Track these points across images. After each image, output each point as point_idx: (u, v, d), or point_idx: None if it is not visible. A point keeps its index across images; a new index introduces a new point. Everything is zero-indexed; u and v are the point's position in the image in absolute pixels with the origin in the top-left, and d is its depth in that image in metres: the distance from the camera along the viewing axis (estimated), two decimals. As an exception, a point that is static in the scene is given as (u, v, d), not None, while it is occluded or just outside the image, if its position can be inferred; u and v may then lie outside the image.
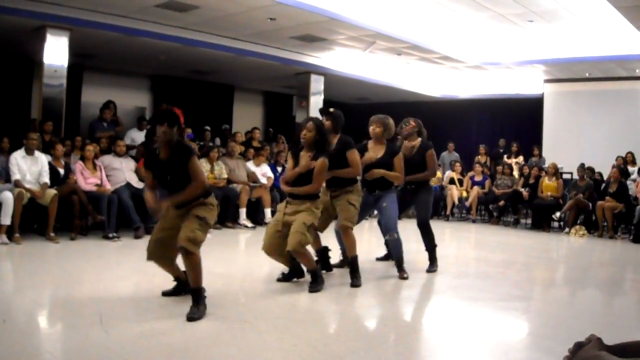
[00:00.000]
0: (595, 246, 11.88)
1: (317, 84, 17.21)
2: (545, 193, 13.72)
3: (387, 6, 12.05)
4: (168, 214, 5.64)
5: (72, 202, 9.58)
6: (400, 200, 7.72)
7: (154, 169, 5.62)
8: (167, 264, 5.78)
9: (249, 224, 11.98)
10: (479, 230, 13.76)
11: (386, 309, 6.39)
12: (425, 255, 8.15)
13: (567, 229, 13.16)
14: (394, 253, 7.63)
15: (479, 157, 17.04)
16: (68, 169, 10.21)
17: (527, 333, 5.60)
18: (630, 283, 8.67)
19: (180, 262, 5.54)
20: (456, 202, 15.17)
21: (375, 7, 12.14)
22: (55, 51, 11.75)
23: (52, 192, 9.32)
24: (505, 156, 17.21)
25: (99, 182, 10.18)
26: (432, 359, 4.69)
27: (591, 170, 14.28)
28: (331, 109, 7.31)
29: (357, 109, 22.45)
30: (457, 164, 16.06)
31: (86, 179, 10.07)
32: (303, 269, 6.92)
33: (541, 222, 13.74)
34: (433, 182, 15.38)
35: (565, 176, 15.21)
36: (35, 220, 9.83)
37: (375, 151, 7.40)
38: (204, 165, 11.78)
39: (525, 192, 14.12)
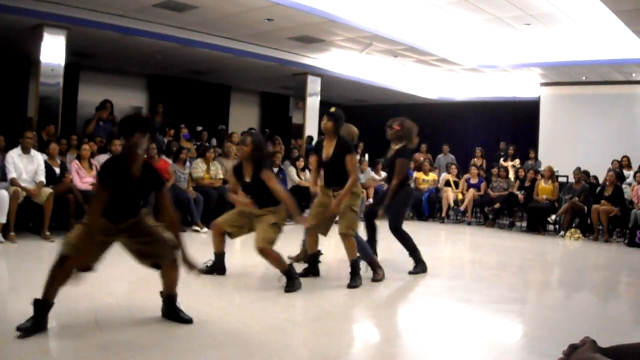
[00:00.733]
0: (590, 249, 11.90)
1: (313, 85, 17.23)
2: (541, 196, 13.73)
3: (384, 8, 12.05)
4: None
5: (68, 201, 9.59)
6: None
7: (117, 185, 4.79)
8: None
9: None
10: (474, 232, 13.78)
11: (381, 310, 6.39)
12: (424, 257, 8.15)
13: (562, 232, 13.18)
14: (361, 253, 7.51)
15: (475, 159, 17.05)
16: (64, 168, 10.20)
17: (521, 335, 5.61)
18: (625, 286, 8.70)
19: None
20: (452, 204, 15.16)
21: (373, 8, 12.14)
22: (52, 50, 11.75)
23: (48, 190, 9.31)
24: (501, 159, 17.22)
25: (94, 181, 10.18)
26: (426, 360, 4.70)
27: (586, 173, 14.29)
28: (332, 109, 7.24)
29: (354, 111, 22.49)
30: (453, 167, 16.08)
31: (82, 178, 10.08)
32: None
33: (536, 225, 13.75)
34: (428, 184, 15.48)
35: (560, 179, 15.22)
36: (31, 219, 9.82)
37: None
38: (200, 165, 11.79)
39: (520, 195, 14.14)
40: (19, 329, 4.41)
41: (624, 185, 13.53)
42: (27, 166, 9.33)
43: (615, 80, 16.97)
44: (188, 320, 5.00)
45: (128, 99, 17.35)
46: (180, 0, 11.11)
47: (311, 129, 17.05)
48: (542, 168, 15.27)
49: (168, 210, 4.98)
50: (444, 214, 15.22)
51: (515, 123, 20.43)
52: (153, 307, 5.32)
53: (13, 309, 5.41)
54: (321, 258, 7.71)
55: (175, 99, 17.59)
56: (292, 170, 13.79)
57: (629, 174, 14.50)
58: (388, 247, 8.61)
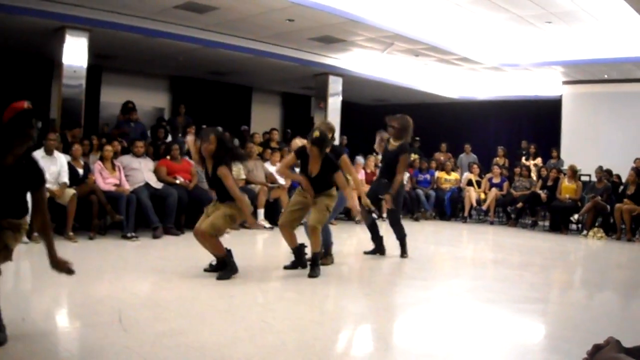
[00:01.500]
0: (613, 249, 11.83)
1: (335, 85, 17.20)
2: (564, 195, 13.66)
3: (405, 7, 12.04)
4: None
5: (91, 202, 9.64)
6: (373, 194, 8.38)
7: None
8: None
9: (267, 225, 11.99)
10: (496, 232, 13.73)
11: (402, 310, 6.39)
12: (445, 257, 8.19)
13: (585, 232, 13.09)
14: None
15: (497, 158, 16.99)
16: (87, 169, 10.26)
17: (544, 335, 5.58)
18: (649, 286, 8.64)
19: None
20: (474, 203, 15.12)
21: (394, 8, 12.13)
22: (75, 52, 11.81)
23: (71, 191, 9.37)
24: (523, 158, 17.15)
25: (117, 182, 10.24)
26: (449, 360, 4.69)
27: (609, 172, 14.21)
28: (316, 133, 7.31)
29: (375, 110, 22.49)
30: (475, 166, 16.03)
31: (105, 179, 10.13)
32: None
33: (559, 225, 13.67)
34: (450, 183, 15.45)
35: (583, 178, 15.14)
36: (54, 220, 9.83)
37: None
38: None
39: (543, 194, 14.07)
40: None
41: (647, 184, 13.44)
42: (51, 167, 9.38)
43: (637, 77, 16.82)
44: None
45: (150, 100, 17.42)
46: (201, 2, 11.15)
47: (334, 127, 17.01)
48: (564, 167, 15.20)
49: (43, 211, 4.52)
50: (466, 214, 15.17)
51: (537, 122, 20.32)
52: (176, 306, 5.35)
53: (37, 309, 5.46)
54: (344, 259, 7.80)
55: (197, 100, 17.64)
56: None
57: (652, 172, 14.40)
58: (411, 247, 8.64)
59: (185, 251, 7.42)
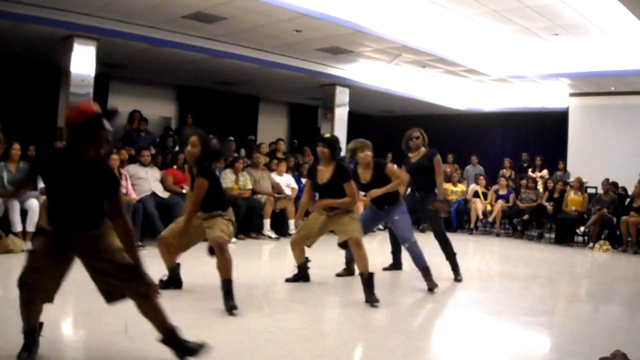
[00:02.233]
0: (619, 261, 11.81)
1: (342, 96, 17.21)
2: (570, 207, 13.66)
3: (413, 19, 12.06)
4: None
5: (97, 210, 9.64)
6: (409, 209, 7.85)
7: None
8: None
9: (273, 235, 12.00)
10: (502, 244, 13.71)
11: (409, 322, 6.39)
12: (449, 269, 8.19)
13: (591, 244, 13.08)
14: (416, 263, 7.58)
15: (504, 170, 16.99)
16: (94, 178, 10.28)
17: (550, 348, 5.58)
18: (655, 299, 8.61)
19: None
20: (480, 215, 15.11)
21: (401, 19, 12.15)
22: (83, 61, 11.83)
23: (78, 200, 9.38)
24: (529, 170, 17.15)
25: (124, 191, 10.24)
26: (455, 372, 4.69)
27: (615, 185, 14.20)
28: (327, 135, 7.35)
29: (382, 121, 22.52)
30: (482, 178, 16.03)
31: (112, 188, 10.15)
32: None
33: (565, 237, 13.67)
34: (457, 195, 15.44)
35: (590, 190, 15.12)
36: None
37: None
38: (229, 175, 11.83)
39: (549, 207, 14.07)
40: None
41: (653, 197, 13.43)
42: (57, 176, 9.42)
43: (644, 90, 16.86)
44: (193, 350, 4.30)
45: (157, 110, 17.44)
46: (209, 12, 11.18)
47: (340, 139, 17.03)
48: (571, 179, 15.20)
49: (123, 217, 4.18)
50: (472, 225, 15.16)
51: (543, 134, 20.32)
52: (182, 316, 5.35)
53: (42, 318, 5.45)
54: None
55: (204, 109, 17.65)
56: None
57: (659, 185, 14.39)
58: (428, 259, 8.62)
59: (191, 261, 7.42)
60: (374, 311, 6.42)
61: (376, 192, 7.44)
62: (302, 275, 7.56)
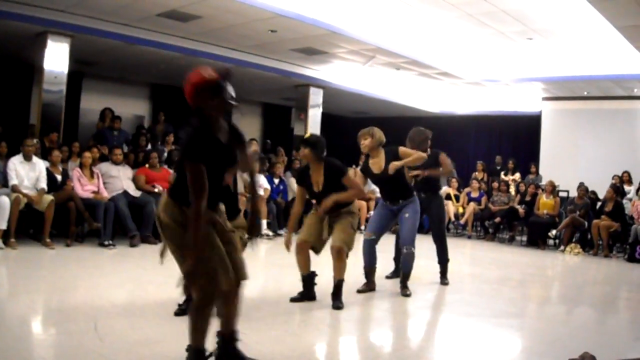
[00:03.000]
0: (590, 264, 11.89)
1: (316, 97, 17.23)
2: (542, 210, 13.75)
3: (387, 21, 12.08)
4: None
5: (69, 209, 9.59)
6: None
7: None
8: None
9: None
10: (474, 246, 13.76)
11: (380, 323, 6.40)
12: (425, 270, 8.20)
13: (562, 247, 13.17)
14: (403, 267, 7.48)
15: (476, 173, 17.08)
16: (65, 176, 10.22)
17: (521, 350, 5.60)
18: (624, 302, 8.67)
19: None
20: (452, 217, 15.16)
21: (376, 22, 12.17)
22: (56, 57, 11.75)
23: (49, 198, 9.33)
24: (502, 173, 17.24)
25: (96, 189, 10.20)
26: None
27: (585, 189, 14.32)
28: (307, 135, 7.03)
29: (356, 123, 22.49)
30: (454, 180, 16.06)
31: (83, 186, 10.09)
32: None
33: (537, 240, 13.73)
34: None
35: (561, 194, 15.23)
36: (32, 226, 9.83)
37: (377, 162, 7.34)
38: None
39: (521, 209, 14.15)
40: None
41: (624, 201, 13.55)
42: (29, 173, 9.36)
43: (616, 95, 16.99)
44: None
45: (131, 108, 17.34)
46: (184, 11, 11.13)
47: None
48: (542, 182, 15.29)
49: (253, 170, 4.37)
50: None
51: (516, 137, 20.48)
52: (152, 315, 5.32)
53: (12, 315, 5.42)
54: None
55: (178, 108, 17.56)
56: (293, 182, 13.78)
57: (629, 189, 14.53)
58: (388, 261, 8.59)
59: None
60: (340, 313, 6.33)
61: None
62: (308, 292, 6.75)
